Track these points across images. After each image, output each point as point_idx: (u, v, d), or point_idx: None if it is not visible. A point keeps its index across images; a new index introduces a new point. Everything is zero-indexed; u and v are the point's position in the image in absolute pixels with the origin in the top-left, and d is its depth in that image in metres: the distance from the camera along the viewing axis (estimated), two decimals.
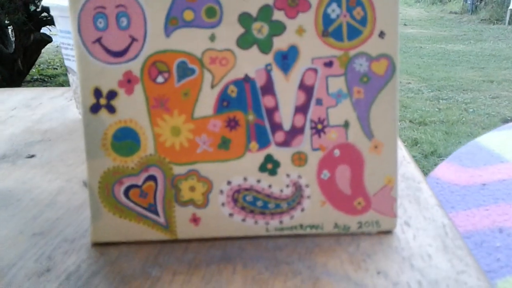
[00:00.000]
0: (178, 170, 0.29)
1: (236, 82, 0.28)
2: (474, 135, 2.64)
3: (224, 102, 0.28)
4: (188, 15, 0.27)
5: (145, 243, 0.29)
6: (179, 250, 0.28)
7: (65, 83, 4.02)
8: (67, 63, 0.53)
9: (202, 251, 0.28)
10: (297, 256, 0.27)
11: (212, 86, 0.28)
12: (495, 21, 6.64)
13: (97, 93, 0.28)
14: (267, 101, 0.28)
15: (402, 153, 0.42)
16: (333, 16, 0.27)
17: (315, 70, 0.28)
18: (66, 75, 4.28)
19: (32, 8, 3.91)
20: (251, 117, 0.28)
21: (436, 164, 2.25)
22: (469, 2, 7.20)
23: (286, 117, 0.29)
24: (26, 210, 0.34)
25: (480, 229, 0.46)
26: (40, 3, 3.95)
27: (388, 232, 0.30)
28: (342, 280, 0.25)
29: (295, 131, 0.29)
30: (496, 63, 4.72)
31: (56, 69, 4.59)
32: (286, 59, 0.28)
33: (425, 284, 0.25)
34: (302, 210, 0.29)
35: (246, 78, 0.28)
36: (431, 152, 2.43)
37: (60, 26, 0.51)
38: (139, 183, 0.29)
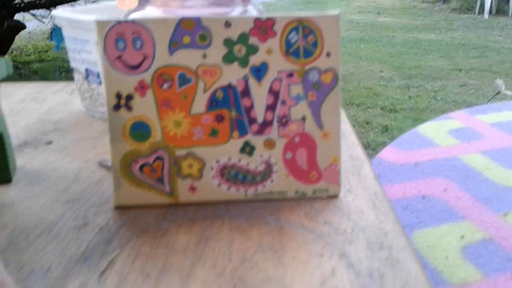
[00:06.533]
0: (179, 152, 0.39)
1: (222, 88, 0.38)
2: None
3: (213, 103, 0.38)
4: (186, 39, 0.37)
5: (155, 206, 0.39)
6: (181, 211, 0.39)
7: (39, 70, 4.02)
8: (72, 64, 0.62)
9: (198, 211, 0.38)
10: (268, 213, 0.38)
11: (204, 91, 0.38)
12: (466, 11, 6.85)
13: (118, 96, 0.38)
14: (245, 102, 0.39)
15: (352, 139, 0.53)
16: (292, 41, 0.38)
17: (280, 80, 0.38)
18: (39, 61, 4.27)
19: None
20: (233, 113, 0.39)
21: None
22: None
23: (259, 113, 0.39)
24: (56, 185, 0.44)
25: (408, 197, 0.57)
26: None
27: (334, 197, 0.41)
28: (299, 228, 0.36)
29: (266, 124, 0.39)
30: (465, 52, 4.90)
31: (29, 55, 4.55)
32: (259, 71, 0.38)
33: (357, 230, 0.36)
34: (272, 181, 0.40)
35: (230, 85, 0.38)
36: None
37: (68, 33, 0.60)
38: (150, 162, 0.39)
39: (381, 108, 3.29)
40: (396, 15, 6.95)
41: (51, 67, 4.14)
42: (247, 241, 0.34)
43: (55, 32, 3.17)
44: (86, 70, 0.58)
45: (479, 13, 6.57)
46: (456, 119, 0.73)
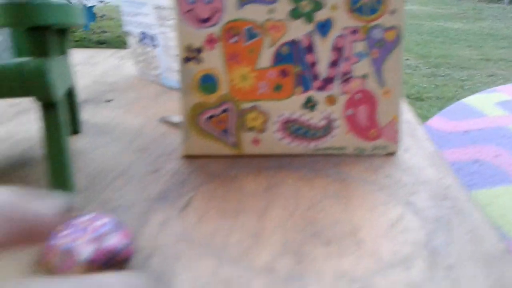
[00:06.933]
0: (244, 105, 0.40)
1: (287, 43, 0.39)
2: None
3: (278, 58, 0.40)
4: None
5: (220, 157, 0.41)
6: (246, 161, 0.40)
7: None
8: (127, 28, 0.64)
9: (262, 162, 0.40)
10: (329, 166, 0.39)
11: (270, 46, 0.39)
12: (495, 0, 6.68)
13: (189, 49, 0.39)
14: (309, 57, 0.40)
15: (405, 106, 0.53)
16: None
17: (344, 37, 0.39)
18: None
19: None
20: (297, 69, 0.40)
21: None
22: None
23: (322, 69, 0.40)
24: (121, 137, 0.46)
25: (460, 161, 0.58)
26: None
27: (393, 154, 0.42)
28: (361, 180, 0.37)
29: (329, 80, 0.40)
30: (494, 42, 4.80)
31: None
32: (324, 27, 0.39)
33: (418, 184, 0.37)
34: (332, 136, 0.41)
35: (294, 41, 0.39)
36: None
37: None
38: (218, 113, 0.40)
39: (407, 96, 3.26)
40: (423, 3, 6.82)
41: (78, 47, 4.20)
42: (313, 190, 0.36)
43: (84, 12, 3.19)
44: (142, 33, 0.60)
45: (509, 2, 6.41)
46: (503, 92, 0.73)
